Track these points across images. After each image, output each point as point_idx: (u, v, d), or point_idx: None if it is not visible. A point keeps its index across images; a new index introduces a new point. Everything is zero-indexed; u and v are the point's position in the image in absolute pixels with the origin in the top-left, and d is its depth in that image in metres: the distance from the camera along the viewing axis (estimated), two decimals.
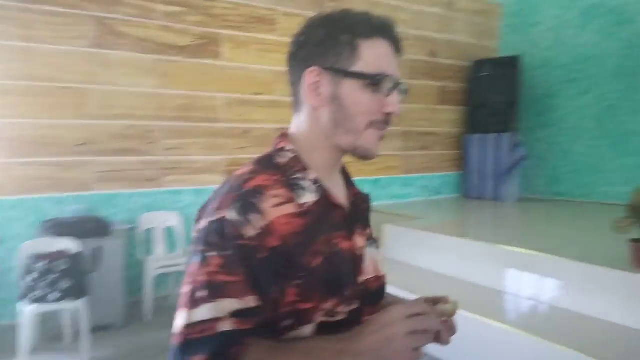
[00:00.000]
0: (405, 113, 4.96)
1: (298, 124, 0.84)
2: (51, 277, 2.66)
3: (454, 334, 0.79)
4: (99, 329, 3.02)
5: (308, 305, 0.72)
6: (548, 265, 2.70)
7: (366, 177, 4.63)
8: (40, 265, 2.66)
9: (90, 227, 3.04)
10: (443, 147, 5.37)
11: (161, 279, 3.49)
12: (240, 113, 3.92)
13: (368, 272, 0.84)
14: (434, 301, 0.81)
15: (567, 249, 2.85)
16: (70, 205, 3.24)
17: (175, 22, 3.60)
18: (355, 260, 0.82)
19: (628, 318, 2.27)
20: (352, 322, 0.75)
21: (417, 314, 0.69)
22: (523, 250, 2.88)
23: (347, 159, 0.86)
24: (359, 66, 0.77)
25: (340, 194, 0.85)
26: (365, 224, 0.90)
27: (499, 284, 2.92)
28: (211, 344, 0.66)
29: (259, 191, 0.73)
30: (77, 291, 2.72)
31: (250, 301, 0.68)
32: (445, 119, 5.34)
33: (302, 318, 0.73)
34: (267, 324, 0.71)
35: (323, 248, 0.76)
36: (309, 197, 0.77)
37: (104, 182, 3.42)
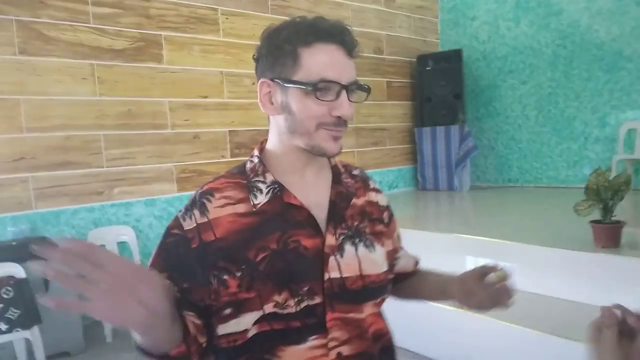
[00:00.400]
0: (355, 109, 4.98)
1: (269, 131, 0.92)
2: None
3: (509, 297, 0.92)
4: (57, 357, 2.79)
5: (249, 295, 0.79)
6: (505, 251, 2.74)
7: None
8: None
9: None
10: (395, 141, 5.42)
11: None
12: (188, 117, 3.76)
13: (345, 271, 0.85)
14: (485, 270, 0.94)
15: (522, 233, 2.93)
16: (10, 226, 2.96)
17: (109, 24, 3.39)
18: (321, 258, 0.84)
19: (592, 296, 2.32)
20: (308, 316, 0.81)
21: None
22: (481, 238, 2.92)
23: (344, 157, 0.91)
24: (300, 74, 0.81)
25: (313, 194, 0.89)
26: (345, 222, 0.91)
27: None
28: None
29: (209, 192, 0.86)
30: (27, 320, 2.48)
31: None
32: (395, 114, 5.40)
33: (241, 306, 0.79)
34: (211, 311, 0.80)
35: (272, 244, 0.82)
36: (261, 199, 0.85)
37: (46, 198, 3.16)
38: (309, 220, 0.86)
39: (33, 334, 2.50)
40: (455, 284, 1.00)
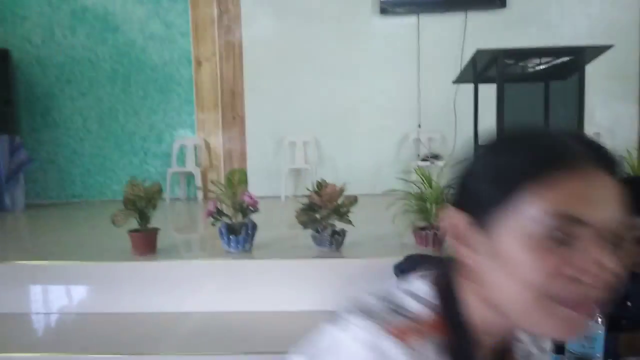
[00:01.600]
0: None
1: None
2: None
3: None
4: None
5: None
6: (71, 272, 2.50)
7: None
8: None
9: None
10: None
11: None
12: None
13: None
14: None
15: (86, 251, 2.77)
16: None
17: None
18: None
19: (152, 303, 2.38)
20: None
21: None
22: (43, 262, 2.56)
23: None
24: None
25: None
26: None
27: (23, 306, 2.50)
28: None
29: None
30: None
31: None
32: None
33: None
34: None
35: None
36: None
37: None
38: None
39: None
40: None
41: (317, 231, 2.41)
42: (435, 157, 4.57)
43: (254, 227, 2.45)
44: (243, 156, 4.85)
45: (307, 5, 4.73)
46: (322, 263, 2.34)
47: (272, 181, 4.75)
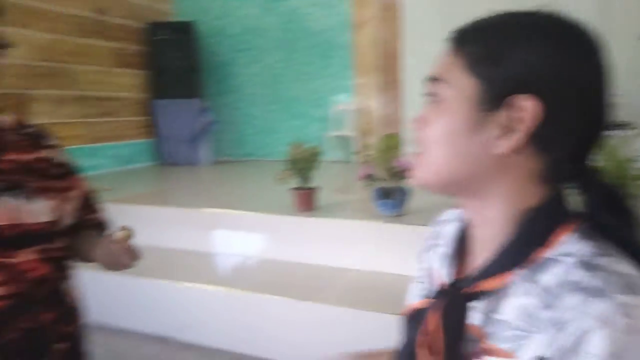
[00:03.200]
0: (78, 75, 4.47)
1: None
2: None
3: (135, 258, 1.07)
4: None
5: None
6: (244, 221, 2.89)
7: None
8: None
9: None
10: (129, 113, 5.09)
11: None
12: None
13: (1, 219, 0.92)
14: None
15: (257, 203, 3.11)
16: None
17: None
18: None
19: (313, 256, 2.63)
20: None
21: None
22: (223, 210, 3.01)
23: None
24: None
25: None
26: (4, 174, 0.96)
27: (206, 246, 2.98)
28: None
29: None
30: None
31: None
32: (126, 83, 5.05)
33: None
34: None
35: None
36: None
37: None
38: None
39: None
40: (99, 246, 1.11)
41: None
42: (623, 125, 3.97)
43: (407, 192, 2.49)
44: (400, 120, 4.86)
45: None
46: None
47: None
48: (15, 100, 3.89)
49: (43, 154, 1.05)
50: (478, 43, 0.57)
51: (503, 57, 0.55)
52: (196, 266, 2.80)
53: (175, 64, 5.08)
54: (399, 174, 2.42)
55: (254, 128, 5.56)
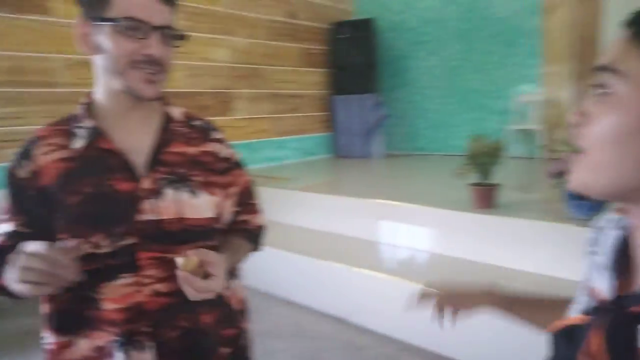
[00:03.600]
0: (270, 75, 4.98)
1: (95, 77, 0.91)
2: None
3: (196, 289, 0.82)
4: None
5: (63, 236, 0.86)
6: (413, 214, 2.92)
7: (238, 140, 4.57)
8: None
9: None
10: (312, 108, 5.49)
11: None
12: (82, 76, 3.55)
13: (161, 213, 0.90)
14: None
15: (428, 197, 3.11)
16: None
17: None
18: (134, 201, 0.88)
19: (488, 255, 2.54)
20: (122, 255, 0.86)
21: (42, 254, 0.74)
22: (392, 202, 3.09)
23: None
24: (111, 13, 0.83)
25: (134, 139, 0.92)
26: (169, 167, 0.93)
27: (373, 235, 3.11)
28: None
29: (34, 140, 0.90)
30: None
31: (8, 227, 0.89)
32: (311, 80, 5.45)
33: None
34: None
35: (86, 188, 0.87)
36: (79, 144, 0.89)
37: None
38: (124, 165, 0.89)
39: None
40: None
41: None
42: None
43: None
44: None
45: None
46: None
47: None
48: (220, 98, 4.52)
49: (209, 147, 1.01)
50: None
51: None
52: (367, 254, 2.90)
53: (354, 61, 5.30)
54: None
55: (428, 121, 5.48)
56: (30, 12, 3.29)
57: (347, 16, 5.72)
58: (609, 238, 0.64)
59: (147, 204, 0.89)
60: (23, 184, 0.88)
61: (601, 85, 0.53)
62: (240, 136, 4.61)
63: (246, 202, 1.10)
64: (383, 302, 2.48)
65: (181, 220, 0.91)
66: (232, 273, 1.06)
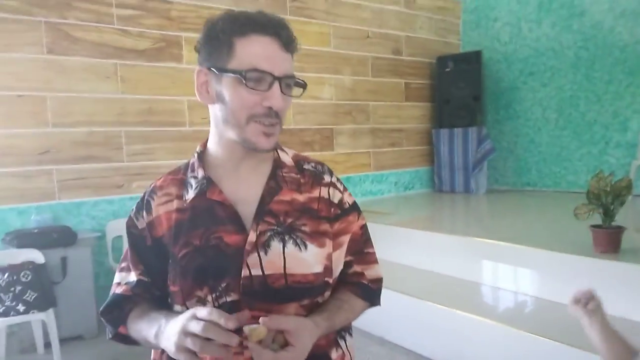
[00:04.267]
0: (372, 110, 5.04)
1: (210, 125, 0.91)
2: (16, 289, 2.59)
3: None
4: (71, 340, 2.98)
5: (174, 289, 0.86)
6: (521, 255, 2.74)
7: (339, 175, 4.65)
8: (4, 277, 2.59)
9: (54, 236, 2.97)
10: (412, 142, 5.43)
11: None
12: (205, 116, 3.88)
13: (267, 268, 0.83)
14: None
15: (538, 238, 2.90)
16: (34, 215, 3.16)
17: (132, 25, 3.56)
18: (241, 255, 0.83)
19: (611, 305, 2.27)
20: (226, 312, 0.75)
21: (204, 320, 0.72)
22: (496, 242, 2.92)
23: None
24: (234, 63, 0.81)
25: (244, 189, 0.89)
26: (276, 217, 0.87)
27: (475, 276, 2.95)
28: (110, 298, 0.92)
29: (153, 191, 0.93)
30: (43, 302, 2.66)
31: (132, 276, 0.91)
32: (412, 114, 5.41)
33: (173, 299, 0.89)
34: (166, 297, 0.90)
35: (195, 240, 0.85)
36: (190, 194, 0.88)
37: (69, 190, 3.35)
38: (233, 217, 0.86)
39: (48, 316, 2.67)
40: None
41: None
42: None
43: None
44: None
45: None
46: None
47: None
48: (324, 134, 4.66)
49: (320, 193, 0.93)
50: None
51: None
52: (464, 294, 2.75)
53: (458, 94, 5.19)
54: None
55: (538, 155, 5.13)
56: (167, 60, 3.72)
57: (454, 49, 5.65)
58: None
59: (254, 258, 0.83)
60: (142, 234, 0.90)
61: None
62: (339, 171, 4.69)
63: (360, 251, 1.00)
64: (487, 348, 2.31)
65: (286, 276, 0.84)
66: (342, 333, 0.97)
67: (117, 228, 3.40)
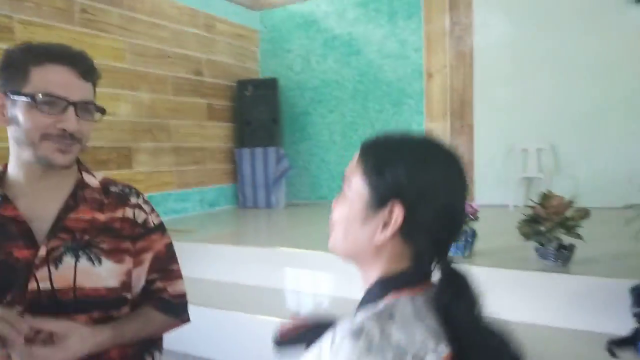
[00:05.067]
0: (173, 128, 5.02)
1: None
2: None
3: (27, 357, 0.80)
4: None
5: None
6: (318, 260, 3.02)
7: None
8: None
9: None
10: (215, 161, 5.57)
11: None
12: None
13: (56, 282, 0.87)
14: None
15: (323, 243, 3.29)
16: None
17: None
18: (28, 269, 0.87)
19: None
20: None
21: None
22: (296, 249, 3.20)
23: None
24: (29, 88, 0.86)
25: (40, 207, 0.91)
26: (72, 233, 0.92)
27: (278, 283, 3.16)
28: None
29: None
30: None
31: None
32: (215, 134, 5.57)
33: None
34: None
35: None
36: None
37: None
38: (25, 232, 0.89)
39: None
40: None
41: (541, 244, 2.36)
42: None
43: (474, 234, 2.54)
44: (471, 164, 4.88)
45: (546, 3, 4.48)
46: (543, 277, 2.28)
47: (500, 190, 4.66)
48: (121, 152, 4.46)
49: (124, 213, 0.99)
50: (371, 157, 0.74)
51: (384, 171, 0.71)
52: (270, 301, 2.99)
53: (258, 117, 5.54)
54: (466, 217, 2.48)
55: (328, 172, 5.82)
56: None
57: (254, 74, 6.01)
58: None
59: (43, 272, 0.88)
60: None
61: (343, 187, 0.79)
62: (140, 190, 4.53)
63: (164, 268, 1.06)
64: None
65: (76, 289, 0.89)
66: (150, 350, 1.02)
67: None
